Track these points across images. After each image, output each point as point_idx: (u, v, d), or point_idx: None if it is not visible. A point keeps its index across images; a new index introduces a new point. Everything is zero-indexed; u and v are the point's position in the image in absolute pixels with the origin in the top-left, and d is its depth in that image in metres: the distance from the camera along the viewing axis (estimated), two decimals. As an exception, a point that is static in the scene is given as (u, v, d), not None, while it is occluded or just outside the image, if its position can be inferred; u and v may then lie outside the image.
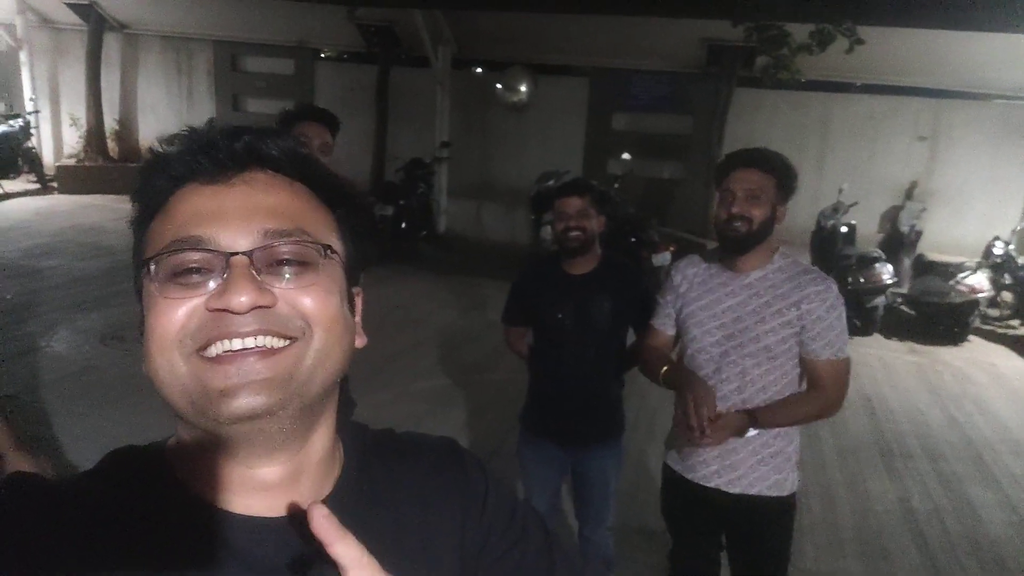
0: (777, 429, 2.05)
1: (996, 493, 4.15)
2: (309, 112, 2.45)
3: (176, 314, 0.57)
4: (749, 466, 2.06)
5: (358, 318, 0.69)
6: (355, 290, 0.68)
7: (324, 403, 0.64)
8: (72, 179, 10.83)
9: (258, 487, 0.62)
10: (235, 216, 0.59)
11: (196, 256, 0.57)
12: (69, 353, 5.08)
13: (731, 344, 2.02)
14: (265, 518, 0.62)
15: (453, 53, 9.70)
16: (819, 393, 2.01)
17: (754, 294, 2.01)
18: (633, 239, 8.10)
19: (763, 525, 2.13)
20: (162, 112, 11.81)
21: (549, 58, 10.11)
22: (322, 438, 0.66)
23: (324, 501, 0.64)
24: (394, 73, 10.07)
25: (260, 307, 0.56)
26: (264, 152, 0.63)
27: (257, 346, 0.56)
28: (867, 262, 6.89)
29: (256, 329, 0.56)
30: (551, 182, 9.11)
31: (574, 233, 2.41)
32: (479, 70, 11.10)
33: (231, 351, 0.56)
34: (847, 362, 2.00)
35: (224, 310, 0.56)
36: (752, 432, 2.01)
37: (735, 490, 2.08)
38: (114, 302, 6.05)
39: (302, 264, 0.60)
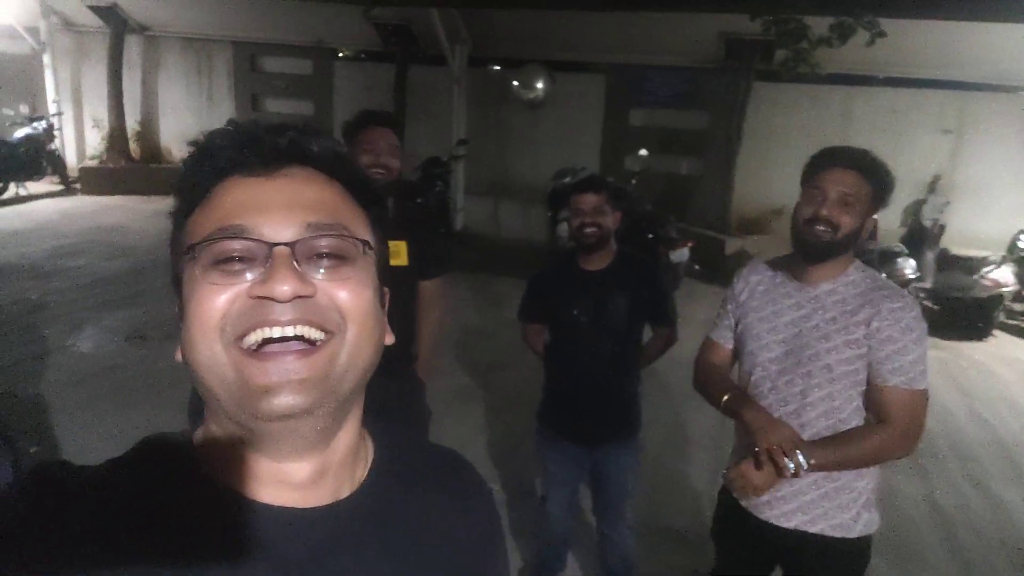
0: None
1: (1025, 492, 4.07)
2: (371, 118, 2.45)
3: (219, 300, 0.58)
4: (808, 499, 1.83)
5: (386, 313, 0.70)
6: (384, 289, 0.70)
7: (354, 399, 0.66)
8: (95, 180, 10.96)
9: (285, 481, 0.63)
10: (278, 207, 0.61)
11: (239, 244, 0.59)
12: (94, 352, 5.14)
13: (790, 362, 1.83)
14: (292, 508, 0.63)
15: (469, 51, 9.71)
16: (885, 427, 1.75)
17: (819, 308, 1.81)
18: (651, 235, 8.06)
19: (822, 569, 1.88)
20: (183, 113, 11.93)
21: (565, 55, 10.08)
22: (349, 434, 0.67)
23: (348, 497, 0.67)
24: (411, 72, 10.10)
25: (301, 296, 0.58)
26: (306, 149, 0.65)
27: (296, 335, 0.58)
28: (889, 257, 6.82)
29: (296, 318, 0.58)
30: (568, 179, 9.09)
31: (590, 229, 2.40)
32: (496, 68, 11.09)
33: (271, 339, 0.57)
34: (923, 394, 1.73)
35: (267, 297, 0.57)
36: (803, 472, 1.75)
37: (790, 525, 1.85)
38: (138, 302, 6.12)
39: (340, 258, 0.62)
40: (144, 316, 5.75)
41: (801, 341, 1.82)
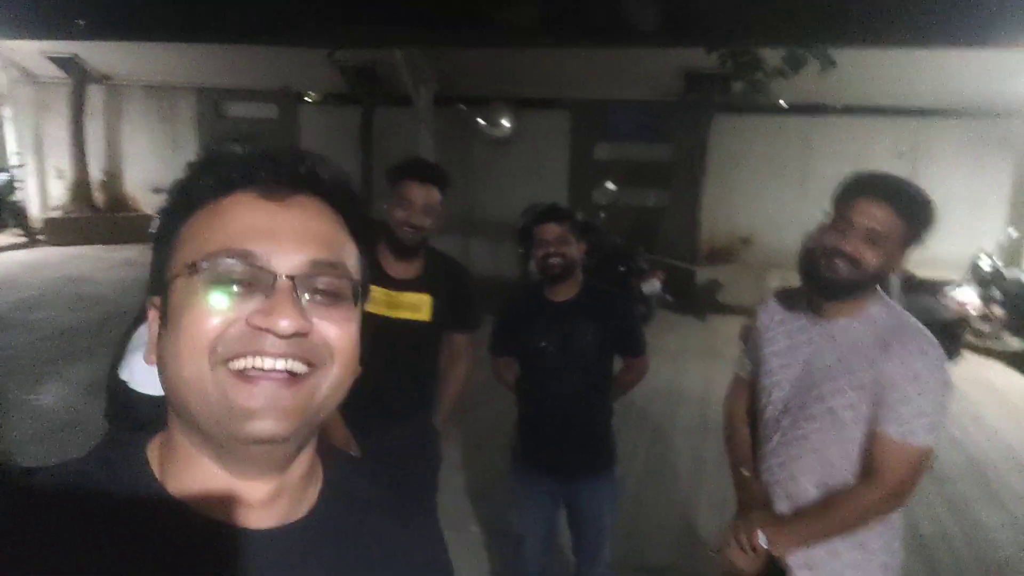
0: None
1: (1004, 514, 4.07)
2: (415, 170, 2.35)
3: (216, 322, 0.58)
4: (819, 558, 1.66)
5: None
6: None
7: (318, 428, 0.67)
8: (59, 231, 10.80)
9: (241, 499, 0.63)
10: (288, 238, 0.61)
11: (245, 270, 0.59)
12: (55, 406, 4.99)
13: (795, 402, 1.68)
14: (245, 528, 0.63)
15: (435, 91, 9.79)
16: (869, 483, 1.57)
17: (832, 345, 1.65)
18: (622, 268, 8.11)
19: None
20: (148, 161, 11.83)
21: (530, 92, 10.21)
22: (306, 456, 0.68)
23: (301, 519, 0.67)
24: (377, 113, 10.15)
25: (298, 334, 0.58)
26: (321, 179, 0.65)
27: (285, 369, 0.58)
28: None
29: (288, 352, 0.58)
30: (537, 214, 9.14)
31: (554, 259, 2.38)
32: (462, 106, 11.20)
33: (260, 369, 0.58)
34: (919, 452, 1.54)
35: (267, 330, 0.57)
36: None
37: None
38: (102, 352, 5.96)
39: (336, 296, 0.62)
40: (108, 367, 5.60)
41: (809, 380, 1.67)
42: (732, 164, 9.64)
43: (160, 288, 0.63)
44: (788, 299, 1.84)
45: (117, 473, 0.63)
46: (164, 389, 0.62)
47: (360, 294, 0.66)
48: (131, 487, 0.62)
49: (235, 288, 0.59)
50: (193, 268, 0.59)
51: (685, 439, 4.87)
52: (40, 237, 10.82)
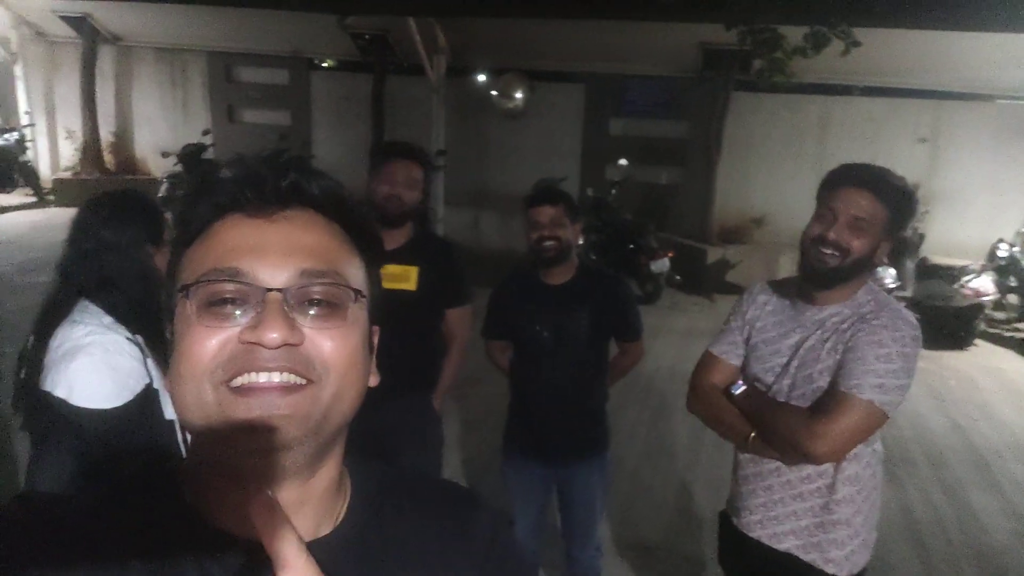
0: (848, 496, 1.71)
1: (1000, 500, 4.04)
2: (393, 149, 2.52)
3: (210, 343, 0.59)
4: (803, 525, 1.75)
5: (374, 355, 0.70)
6: (373, 328, 0.69)
7: (336, 439, 0.66)
8: (69, 192, 10.79)
9: None
10: (274, 252, 0.61)
11: (233, 287, 0.60)
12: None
13: (787, 383, 1.75)
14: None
15: (448, 61, 9.65)
16: (804, 414, 1.67)
17: (820, 330, 1.72)
18: (631, 246, 8.03)
19: None
20: (158, 124, 11.79)
21: (545, 64, 10.06)
22: (329, 471, 0.67)
23: (328, 534, 0.67)
24: (389, 82, 10.04)
25: (289, 344, 0.58)
26: (307, 191, 0.65)
27: (280, 382, 0.59)
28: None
29: (281, 365, 0.58)
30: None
31: (548, 242, 2.34)
32: (475, 78, 11.07)
33: (256, 383, 0.58)
34: (862, 403, 1.58)
35: (256, 343, 0.58)
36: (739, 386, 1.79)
37: (781, 547, 1.77)
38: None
39: (331, 305, 0.62)
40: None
41: (799, 363, 1.73)
42: (748, 143, 9.49)
43: (169, 316, 0.65)
44: (777, 288, 1.89)
45: (148, 495, 0.64)
46: (176, 413, 0.62)
47: (366, 300, 0.66)
48: (162, 509, 0.63)
49: (227, 308, 0.59)
50: (185, 292, 0.61)
51: (688, 419, 4.80)
52: (49, 198, 10.83)
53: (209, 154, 9.56)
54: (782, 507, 1.77)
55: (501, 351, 2.63)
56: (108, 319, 1.64)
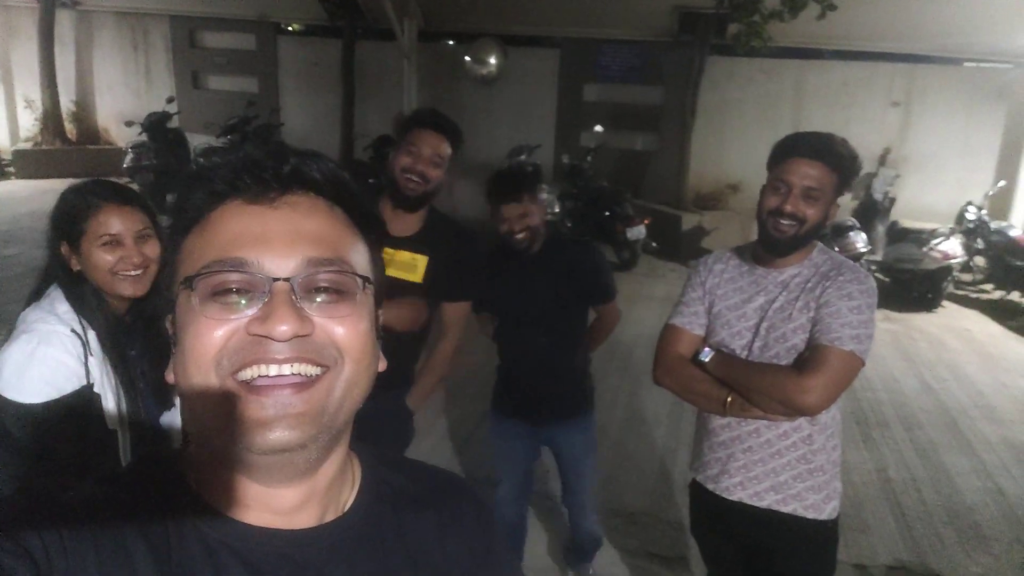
0: (821, 444, 1.80)
1: (971, 460, 4.15)
2: (424, 119, 2.19)
3: (216, 334, 0.58)
4: (782, 480, 1.82)
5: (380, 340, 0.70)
6: (379, 312, 0.69)
7: (346, 428, 0.66)
8: (29, 164, 10.48)
9: (270, 506, 0.63)
10: (279, 241, 0.60)
11: (238, 278, 0.58)
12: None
13: (758, 345, 1.80)
14: (277, 530, 0.63)
15: (419, 25, 9.44)
16: (794, 371, 1.72)
17: (785, 291, 1.80)
18: (607, 213, 8.01)
19: (797, 550, 1.86)
20: (120, 91, 11.44)
21: (518, 29, 9.91)
22: (336, 460, 0.67)
23: (334, 520, 0.67)
24: (359, 47, 9.81)
25: (299, 336, 0.57)
26: (308, 176, 0.63)
27: (293, 374, 0.58)
28: (841, 231, 6.86)
29: (292, 356, 0.57)
30: (523, 156, 8.96)
31: (520, 235, 2.35)
32: (448, 42, 10.86)
33: (267, 377, 0.57)
34: (845, 355, 1.68)
35: (265, 336, 0.57)
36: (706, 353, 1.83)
37: (763, 504, 1.83)
38: (73, 291, 5.83)
39: (339, 293, 0.61)
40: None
41: (769, 324, 1.80)
42: (724, 108, 9.46)
43: (169, 307, 0.63)
44: (733, 256, 1.96)
45: (155, 482, 0.63)
46: (181, 406, 0.63)
47: (372, 287, 0.65)
48: (168, 495, 0.62)
49: (232, 298, 0.58)
50: (189, 283, 0.59)
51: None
52: (10, 170, 10.50)
53: (174, 123, 9.29)
54: (762, 466, 1.83)
55: (486, 322, 2.69)
56: (64, 307, 1.52)
